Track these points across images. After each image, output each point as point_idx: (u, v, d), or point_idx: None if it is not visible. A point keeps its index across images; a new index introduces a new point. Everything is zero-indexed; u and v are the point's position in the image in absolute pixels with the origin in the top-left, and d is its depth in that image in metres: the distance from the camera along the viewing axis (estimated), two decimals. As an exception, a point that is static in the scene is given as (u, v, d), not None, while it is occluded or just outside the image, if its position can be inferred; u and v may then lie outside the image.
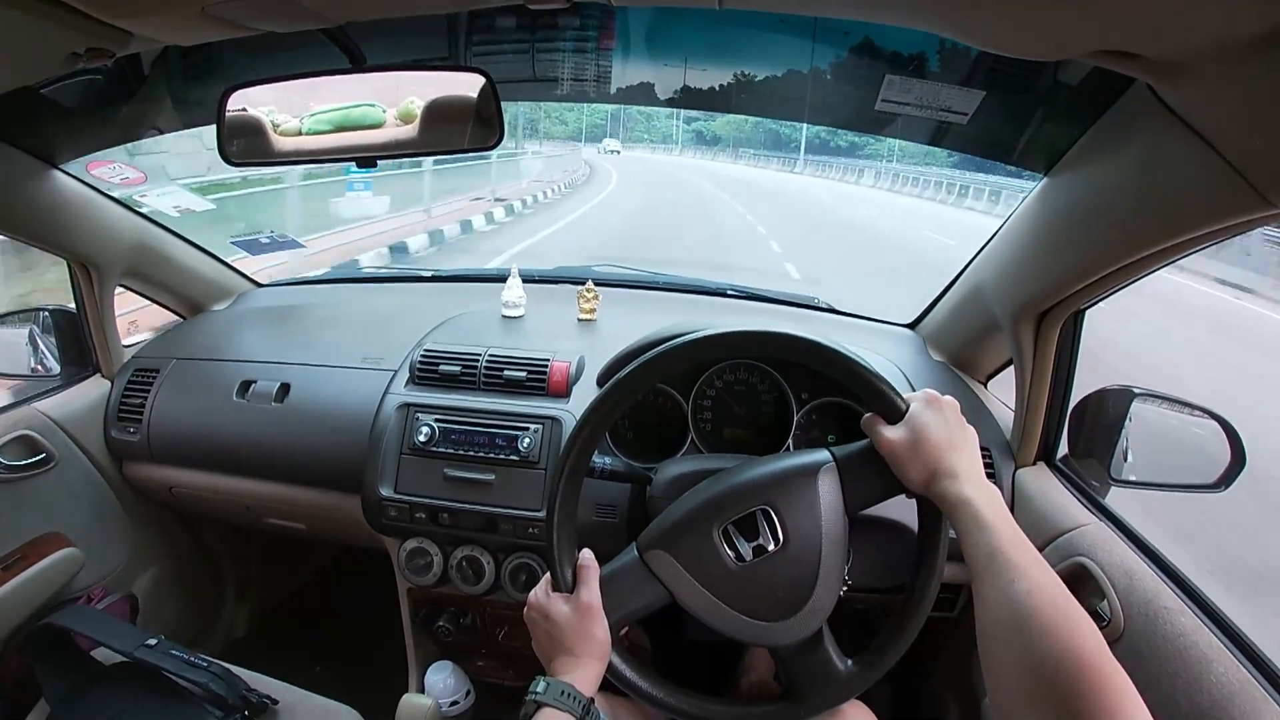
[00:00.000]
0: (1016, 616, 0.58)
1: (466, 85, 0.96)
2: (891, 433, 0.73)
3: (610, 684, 0.77)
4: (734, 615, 0.75)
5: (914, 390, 0.78)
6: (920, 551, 0.78)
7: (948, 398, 0.75)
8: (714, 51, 1.08)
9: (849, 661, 0.79)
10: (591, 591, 0.74)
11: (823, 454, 0.78)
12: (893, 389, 0.75)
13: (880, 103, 0.89)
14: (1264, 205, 0.63)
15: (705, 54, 1.10)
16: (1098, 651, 0.54)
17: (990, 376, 1.30)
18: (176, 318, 1.63)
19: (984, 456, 1.11)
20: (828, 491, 0.76)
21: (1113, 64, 0.64)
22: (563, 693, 0.68)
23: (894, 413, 0.74)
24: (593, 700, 0.70)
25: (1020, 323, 1.03)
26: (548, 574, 0.78)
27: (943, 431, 0.72)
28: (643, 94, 1.14)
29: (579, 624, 0.73)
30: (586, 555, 0.77)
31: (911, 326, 1.49)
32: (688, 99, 1.14)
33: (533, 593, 0.78)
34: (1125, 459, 1.09)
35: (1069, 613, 0.57)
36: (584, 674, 0.71)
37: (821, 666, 0.78)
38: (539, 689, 0.68)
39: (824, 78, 1.02)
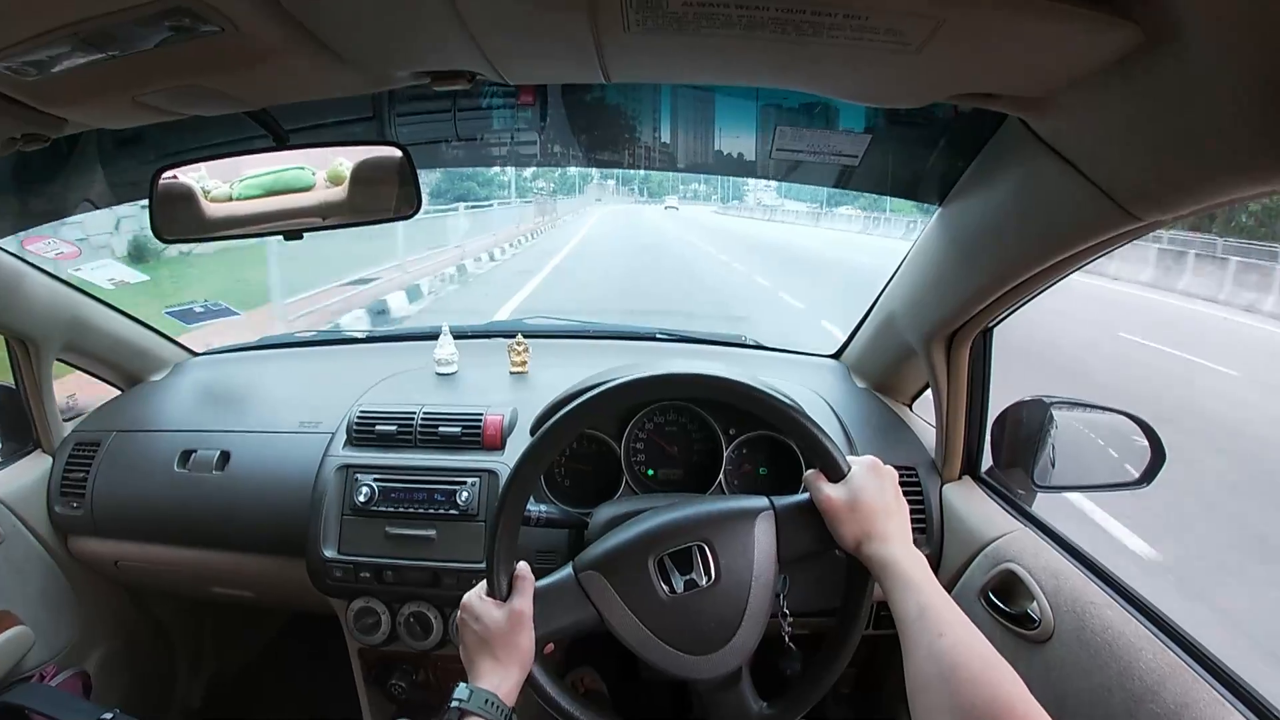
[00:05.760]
0: (942, 668, 0.61)
1: (391, 150, 1.01)
2: (831, 490, 0.77)
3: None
4: (658, 644, 0.76)
5: (855, 456, 0.81)
6: (843, 610, 0.81)
7: (888, 468, 0.79)
8: (622, 112, 1.15)
9: (764, 704, 0.80)
10: (524, 601, 0.76)
11: (763, 501, 0.81)
12: (838, 449, 0.78)
13: (775, 151, 0.95)
14: (1129, 219, 0.68)
15: (614, 115, 1.16)
16: (1022, 697, 0.58)
17: (914, 399, 1.34)
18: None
19: (911, 476, 1.15)
20: (763, 537, 0.78)
21: (978, 103, 0.69)
22: (486, 701, 0.69)
23: (836, 472, 0.78)
24: (513, 711, 0.71)
25: (932, 345, 1.08)
26: (484, 580, 0.78)
27: (879, 497, 0.76)
28: (560, 156, 1.19)
29: (508, 630, 0.74)
30: (523, 567, 0.78)
31: (835, 356, 1.53)
32: (604, 159, 1.19)
33: (467, 595, 0.78)
34: (1051, 466, 1.13)
35: (992, 663, 0.61)
36: (505, 681, 0.72)
37: (735, 706, 0.79)
38: (463, 695, 0.70)
39: (724, 131, 1.08)
